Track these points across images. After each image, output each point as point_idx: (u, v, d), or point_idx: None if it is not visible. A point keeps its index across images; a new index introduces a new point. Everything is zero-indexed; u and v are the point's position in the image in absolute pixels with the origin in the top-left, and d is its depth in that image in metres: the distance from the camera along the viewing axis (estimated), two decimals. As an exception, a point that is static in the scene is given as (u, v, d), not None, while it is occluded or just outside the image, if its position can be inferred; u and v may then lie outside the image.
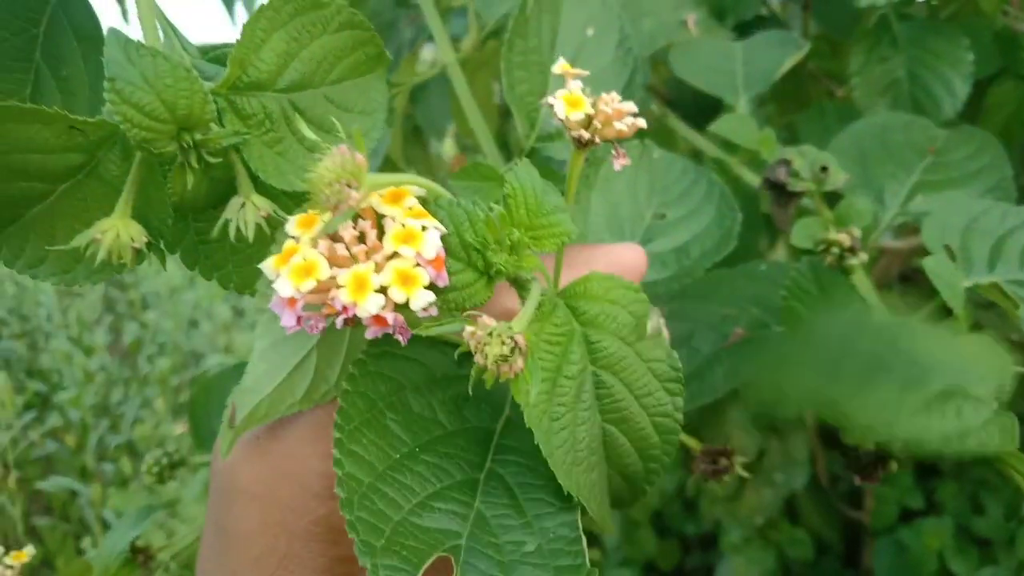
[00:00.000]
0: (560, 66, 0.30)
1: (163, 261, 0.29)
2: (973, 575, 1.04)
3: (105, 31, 0.37)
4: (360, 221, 0.25)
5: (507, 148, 1.11)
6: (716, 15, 0.87)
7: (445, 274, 0.25)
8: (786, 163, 0.55)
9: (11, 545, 0.46)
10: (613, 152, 0.30)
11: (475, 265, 0.27)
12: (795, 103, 0.95)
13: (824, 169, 0.55)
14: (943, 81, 0.72)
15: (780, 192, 0.57)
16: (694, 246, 0.45)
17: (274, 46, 0.28)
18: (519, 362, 0.24)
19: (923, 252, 0.49)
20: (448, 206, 0.26)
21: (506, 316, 0.30)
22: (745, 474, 0.40)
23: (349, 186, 0.23)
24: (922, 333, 0.40)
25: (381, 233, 0.25)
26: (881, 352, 0.40)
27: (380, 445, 0.29)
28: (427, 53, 1.06)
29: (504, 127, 1.08)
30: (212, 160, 0.26)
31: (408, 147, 1.25)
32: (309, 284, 0.23)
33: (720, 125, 0.62)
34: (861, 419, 0.37)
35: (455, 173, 0.45)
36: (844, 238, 0.44)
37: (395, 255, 0.24)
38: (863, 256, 0.45)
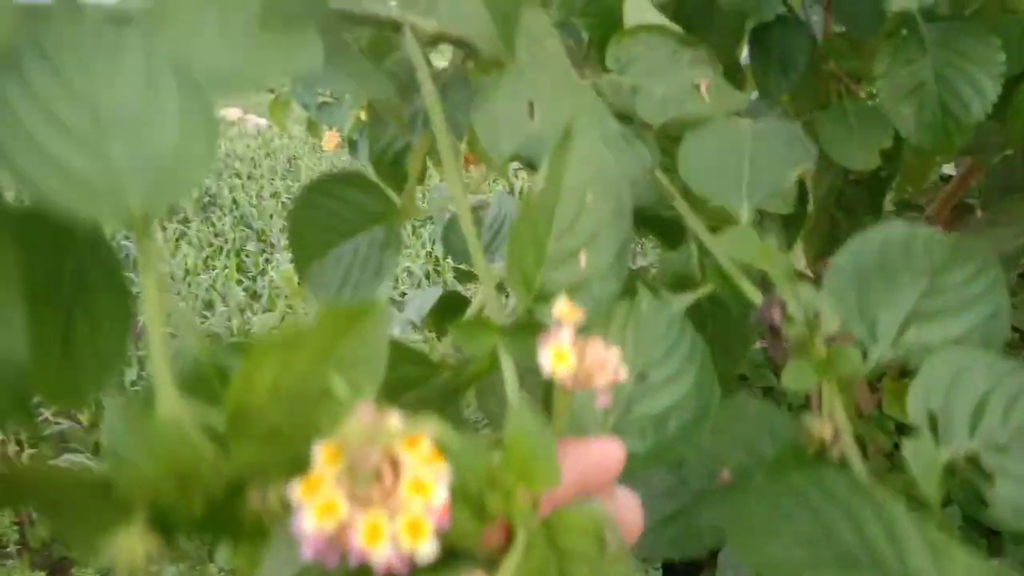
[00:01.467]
0: (559, 308, 0.31)
1: None
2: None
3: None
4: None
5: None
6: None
7: (447, 519, 0.27)
8: (781, 305, 0.56)
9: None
10: (597, 395, 0.31)
11: (470, 507, 0.28)
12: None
13: (817, 315, 0.55)
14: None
15: (775, 332, 0.58)
16: (672, 416, 0.45)
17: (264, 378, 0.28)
18: None
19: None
20: (456, 455, 0.27)
21: None
22: None
23: (373, 445, 0.24)
24: (915, 534, 0.39)
25: (396, 470, 0.26)
26: (867, 544, 0.40)
27: None
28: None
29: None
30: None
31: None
32: (330, 524, 0.24)
33: (723, 239, 0.62)
34: None
35: (453, 326, 0.46)
36: (828, 429, 0.45)
37: (406, 503, 0.26)
38: (849, 446, 0.45)
